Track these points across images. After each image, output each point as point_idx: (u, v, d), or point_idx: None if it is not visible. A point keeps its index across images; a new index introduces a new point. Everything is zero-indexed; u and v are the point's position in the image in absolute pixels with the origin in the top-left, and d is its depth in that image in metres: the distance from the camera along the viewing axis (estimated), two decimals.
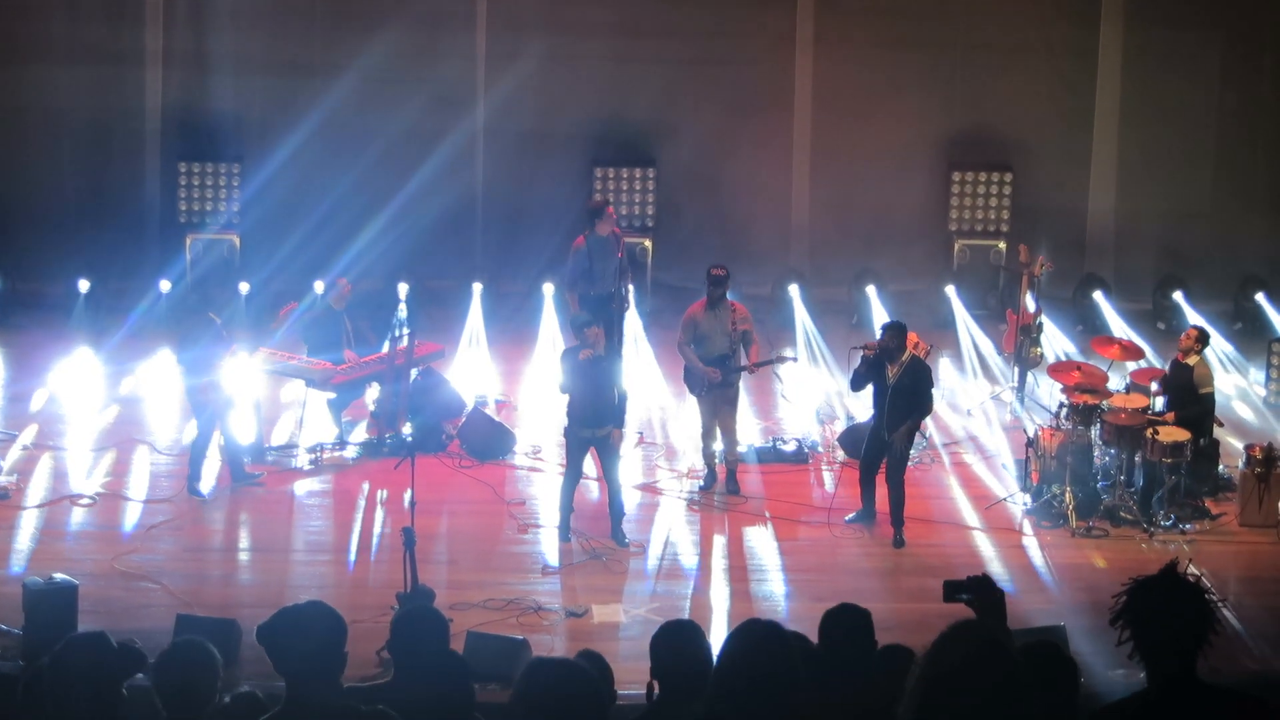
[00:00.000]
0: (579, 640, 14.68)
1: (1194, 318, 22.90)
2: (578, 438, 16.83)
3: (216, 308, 18.31)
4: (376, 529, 17.26)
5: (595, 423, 16.68)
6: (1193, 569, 6.49)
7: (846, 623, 8.62)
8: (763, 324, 20.86)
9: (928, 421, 18.48)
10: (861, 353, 17.12)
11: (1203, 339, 18.47)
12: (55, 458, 18.90)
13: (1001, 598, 7.25)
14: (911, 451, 17.50)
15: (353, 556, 16.66)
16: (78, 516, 17.43)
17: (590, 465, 17.19)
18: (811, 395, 20.98)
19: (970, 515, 17.88)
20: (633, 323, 22.24)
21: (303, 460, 18.86)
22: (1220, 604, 6.50)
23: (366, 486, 18.30)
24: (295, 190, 24.22)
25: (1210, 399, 18.30)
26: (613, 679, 8.57)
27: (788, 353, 18.80)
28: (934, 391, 17.47)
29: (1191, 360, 18.24)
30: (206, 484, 17.97)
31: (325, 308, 19.62)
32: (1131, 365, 19.36)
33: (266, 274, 23.52)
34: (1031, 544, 17.13)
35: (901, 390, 16.79)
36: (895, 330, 16.95)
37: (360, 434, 19.38)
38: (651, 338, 22.50)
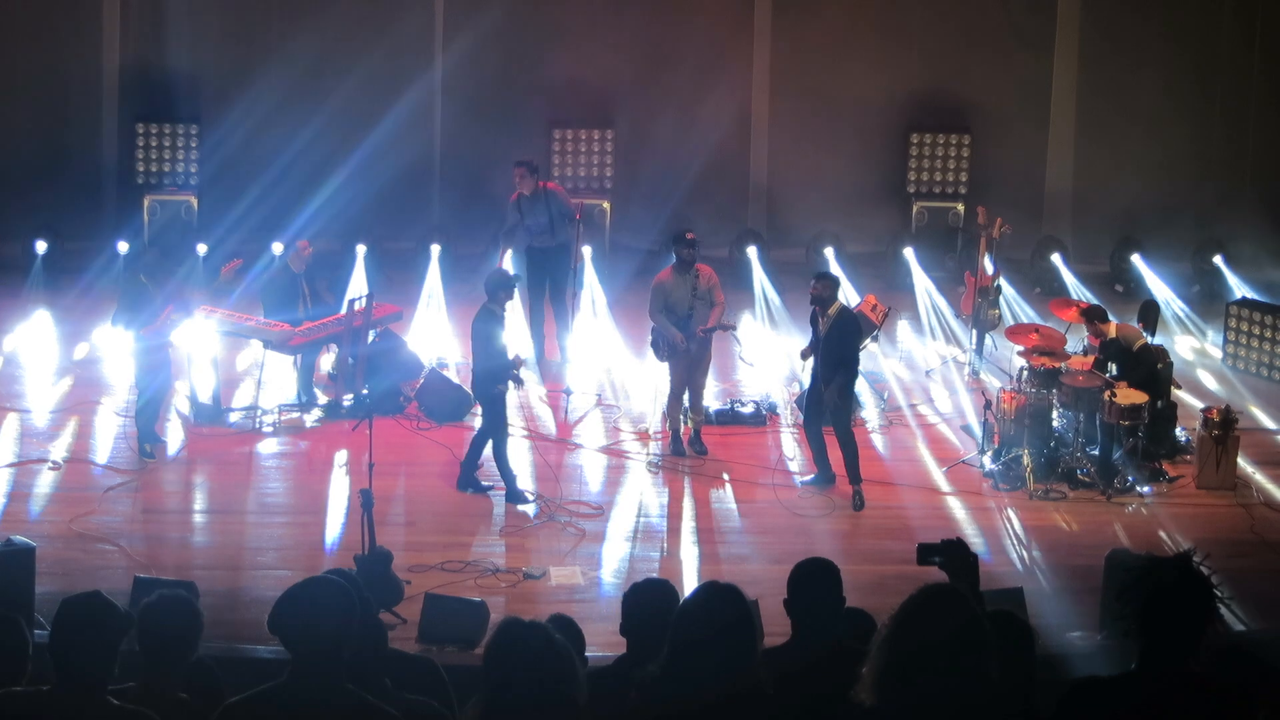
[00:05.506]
0: (536, 603, 14.70)
1: (1152, 280, 22.95)
2: (502, 396, 17.03)
3: (149, 270, 18.04)
4: (334, 491, 17.23)
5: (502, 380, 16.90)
6: (1206, 564, 6.48)
7: (814, 575, 8.48)
8: (721, 286, 20.79)
9: (886, 383, 18.41)
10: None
11: (1090, 314, 18.48)
12: (11, 420, 18.82)
13: (975, 561, 7.27)
14: (872, 414, 17.43)
15: (310, 519, 16.62)
16: (34, 479, 17.33)
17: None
18: (770, 358, 20.98)
19: (929, 478, 17.91)
20: (591, 283, 22.29)
21: (260, 422, 18.79)
22: (1226, 603, 6.48)
23: (324, 448, 18.27)
24: (253, 151, 24.09)
25: (1146, 350, 18.25)
26: (584, 644, 8.52)
27: (729, 322, 18.72)
28: (868, 347, 17.40)
29: (1112, 332, 18.23)
30: (164, 445, 17.98)
31: (283, 269, 19.51)
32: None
33: (224, 235, 23.36)
34: (989, 506, 17.17)
35: (831, 342, 16.79)
36: (826, 280, 17.00)
37: (318, 396, 19.34)
38: (609, 298, 22.46)
